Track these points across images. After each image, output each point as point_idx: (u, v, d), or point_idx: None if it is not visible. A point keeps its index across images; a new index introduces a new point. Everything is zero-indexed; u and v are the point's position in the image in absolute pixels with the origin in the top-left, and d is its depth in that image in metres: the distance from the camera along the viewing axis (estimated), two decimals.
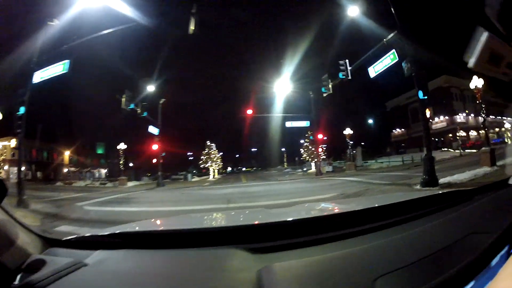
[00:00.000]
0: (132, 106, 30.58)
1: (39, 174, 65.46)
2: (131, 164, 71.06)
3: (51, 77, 19.76)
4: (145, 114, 32.99)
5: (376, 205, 2.82)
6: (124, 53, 45.84)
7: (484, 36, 2.70)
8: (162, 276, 1.73)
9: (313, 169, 51.06)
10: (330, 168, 46.86)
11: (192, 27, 17.82)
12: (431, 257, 1.56)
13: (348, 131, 45.30)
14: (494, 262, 1.46)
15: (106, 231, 2.35)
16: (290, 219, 2.52)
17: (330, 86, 28.19)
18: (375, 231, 2.12)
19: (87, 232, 2.40)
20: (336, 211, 3.25)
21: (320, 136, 41.80)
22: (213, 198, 17.08)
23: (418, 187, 13.97)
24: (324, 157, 54.24)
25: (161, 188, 32.85)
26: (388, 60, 20.84)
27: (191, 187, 31.42)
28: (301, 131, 60.61)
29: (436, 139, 62.74)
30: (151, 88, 35.60)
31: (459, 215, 2.26)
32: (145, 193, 25.94)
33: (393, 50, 19.40)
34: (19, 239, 1.90)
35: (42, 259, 1.85)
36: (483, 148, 20.95)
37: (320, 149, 45.45)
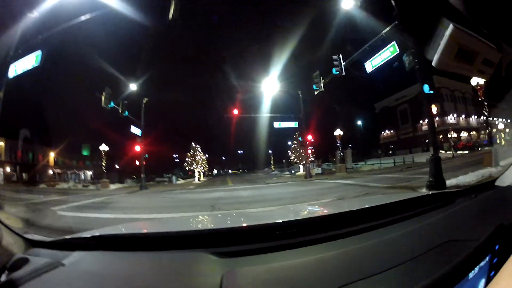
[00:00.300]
0: (112, 104, 29.22)
1: (24, 175, 63.29)
2: (117, 166, 69.67)
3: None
4: (126, 113, 31.72)
5: (351, 209, 2.64)
6: (105, 50, 45.24)
7: (449, 29, 2.46)
8: (132, 277, 1.75)
9: (302, 171, 50.09)
10: (319, 170, 45.83)
11: (172, 12, 16.30)
12: (402, 266, 1.53)
13: (338, 132, 43.88)
14: (471, 274, 1.47)
15: (86, 234, 2.38)
16: (261, 223, 2.50)
17: (321, 83, 26.88)
18: (349, 236, 2.07)
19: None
20: (312, 215, 3.03)
21: (309, 137, 40.51)
22: (196, 204, 15.63)
23: (424, 190, 12.39)
24: (313, 159, 52.77)
25: (143, 191, 31.35)
26: (388, 53, 20.09)
27: (174, 191, 29.83)
28: (288, 132, 60.55)
29: (427, 140, 61.44)
30: (133, 86, 34.21)
31: (439, 220, 2.27)
32: (125, 197, 24.55)
33: (394, 43, 18.74)
34: (3, 239, 1.96)
35: (24, 259, 1.91)
36: (486, 148, 19.79)
37: (309, 151, 43.55)
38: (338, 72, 24.35)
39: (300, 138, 50.87)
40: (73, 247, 2.19)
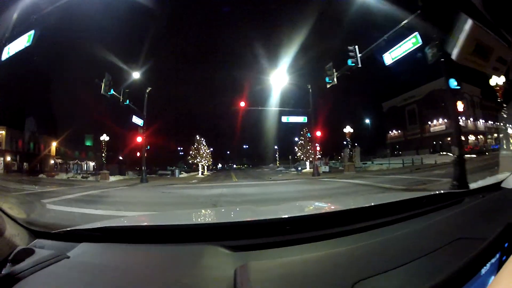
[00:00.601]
0: (112, 92, 27.99)
1: (25, 165, 63.58)
2: (121, 158, 68.22)
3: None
4: (127, 102, 30.50)
5: (363, 206, 2.86)
6: (107, 36, 44.79)
7: (468, 24, 2.58)
8: (140, 269, 1.78)
9: (308, 168, 49.37)
10: (326, 168, 44.33)
11: None
12: (415, 262, 1.54)
13: (348, 129, 42.45)
14: (484, 270, 1.47)
15: (91, 225, 2.42)
16: (272, 217, 2.47)
17: (334, 76, 25.53)
18: (359, 232, 2.11)
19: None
20: (321, 211, 3.10)
21: (318, 133, 39.31)
22: (196, 202, 14.48)
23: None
24: (319, 156, 51.52)
25: (143, 184, 30.28)
26: (409, 44, 19.05)
27: (176, 185, 28.79)
28: (295, 128, 59.48)
29: (434, 142, 63.06)
30: (136, 75, 33.20)
31: (448, 218, 2.33)
32: (123, 190, 23.59)
33: (416, 33, 17.81)
34: (6, 230, 1.92)
35: (28, 250, 1.88)
36: (503, 152, 18.63)
37: (317, 148, 42.27)
38: (354, 64, 23.05)
39: (308, 134, 49.92)
40: (78, 239, 2.16)
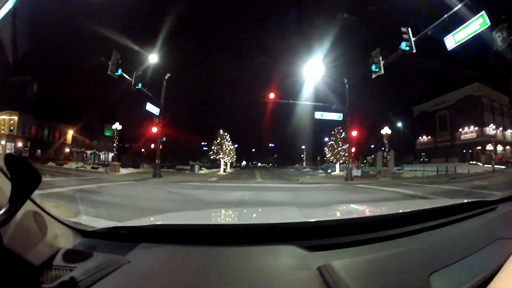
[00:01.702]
0: (119, 72, 25.73)
1: (38, 152, 65.24)
2: (143, 150, 68.07)
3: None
4: (139, 86, 28.26)
5: (419, 209, 2.84)
6: (122, 14, 42.36)
7: None
8: (218, 275, 1.69)
9: (338, 171, 48.23)
10: (358, 173, 41.77)
11: None
12: (466, 259, 1.76)
13: (386, 130, 39.14)
14: None
15: (143, 222, 2.35)
16: (341, 218, 2.82)
17: (381, 64, 22.74)
18: (417, 233, 2.25)
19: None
20: (380, 213, 3.27)
21: (354, 133, 35.70)
22: (206, 209, 10.71)
23: None
24: (350, 159, 48.79)
25: (155, 180, 28.31)
26: (476, 25, 16.34)
27: (191, 182, 26.45)
28: (325, 127, 58.40)
29: (464, 151, 62.91)
30: (153, 58, 31.26)
31: (486, 223, 2.60)
32: (124, 185, 21.36)
33: (483, 12, 15.32)
34: (50, 231, 1.86)
35: (77, 252, 1.90)
36: None
37: (353, 149, 39.26)
38: (408, 48, 20.29)
39: (343, 134, 48.68)
40: (134, 239, 2.06)
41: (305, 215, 3.16)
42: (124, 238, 2.10)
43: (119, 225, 2.19)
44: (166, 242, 2.00)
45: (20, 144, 60.57)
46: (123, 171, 37.27)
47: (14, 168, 1.44)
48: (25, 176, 1.46)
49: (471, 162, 51.76)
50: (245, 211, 4.19)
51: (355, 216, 2.86)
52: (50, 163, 47.61)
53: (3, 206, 1.46)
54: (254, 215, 3.56)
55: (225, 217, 3.39)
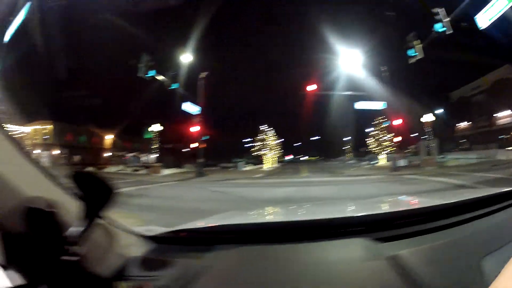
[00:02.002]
0: (151, 73, 26.07)
1: (76, 158, 64.24)
2: (185, 149, 66.36)
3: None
4: (173, 86, 28.72)
5: (470, 198, 2.61)
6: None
7: None
8: (298, 271, 1.64)
9: (384, 161, 48.19)
10: (403, 162, 40.34)
11: None
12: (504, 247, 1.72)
13: (429, 117, 37.94)
14: None
15: (210, 223, 2.36)
16: (399, 209, 2.64)
17: (420, 47, 22.38)
18: (465, 223, 2.18)
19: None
20: (433, 203, 2.70)
21: (398, 121, 35.66)
22: (249, 208, 10.42)
23: None
24: (395, 148, 47.73)
25: (198, 179, 28.35)
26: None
27: (235, 180, 26.88)
28: (367, 118, 56.20)
29: (500, 136, 58.86)
30: (187, 57, 31.43)
31: None
32: (164, 187, 21.96)
33: None
34: (118, 241, 1.77)
35: (153, 261, 1.78)
36: None
37: (397, 138, 38.54)
38: (445, 28, 19.58)
39: (386, 123, 47.83)
40: (203, 241, 1.96)
41: (362, 208, 3.15)
42: (195, 241, 2.01)
43: (186, 227, 2.11)
44: (238, 242, 1.87)
45: (56, 152, 59.82)
46: (166, 171, 37.61)
47: (84, 184, 1.40)
48: (95, 192, 1.42)
49: (508, 148, 48.12)
50: (307, 206, 3.86)
51: (411, 207, 2.86)
52: (90, 168, 47.61)
53: (74, 224, 1.41)
54: (315, 210, 3.35)
55: (288, 213, 3.24)
